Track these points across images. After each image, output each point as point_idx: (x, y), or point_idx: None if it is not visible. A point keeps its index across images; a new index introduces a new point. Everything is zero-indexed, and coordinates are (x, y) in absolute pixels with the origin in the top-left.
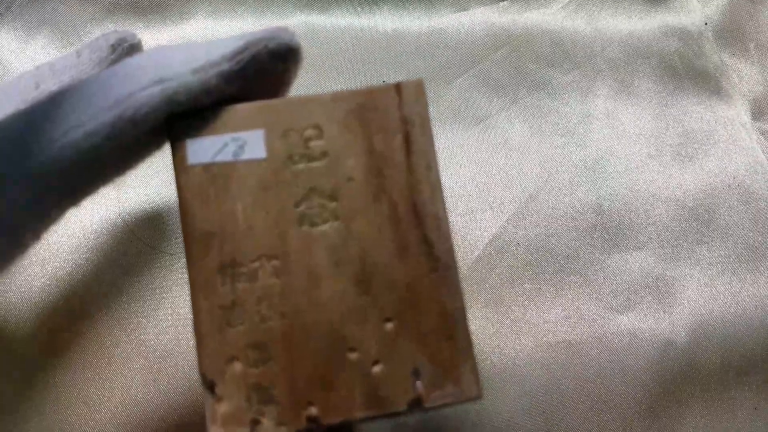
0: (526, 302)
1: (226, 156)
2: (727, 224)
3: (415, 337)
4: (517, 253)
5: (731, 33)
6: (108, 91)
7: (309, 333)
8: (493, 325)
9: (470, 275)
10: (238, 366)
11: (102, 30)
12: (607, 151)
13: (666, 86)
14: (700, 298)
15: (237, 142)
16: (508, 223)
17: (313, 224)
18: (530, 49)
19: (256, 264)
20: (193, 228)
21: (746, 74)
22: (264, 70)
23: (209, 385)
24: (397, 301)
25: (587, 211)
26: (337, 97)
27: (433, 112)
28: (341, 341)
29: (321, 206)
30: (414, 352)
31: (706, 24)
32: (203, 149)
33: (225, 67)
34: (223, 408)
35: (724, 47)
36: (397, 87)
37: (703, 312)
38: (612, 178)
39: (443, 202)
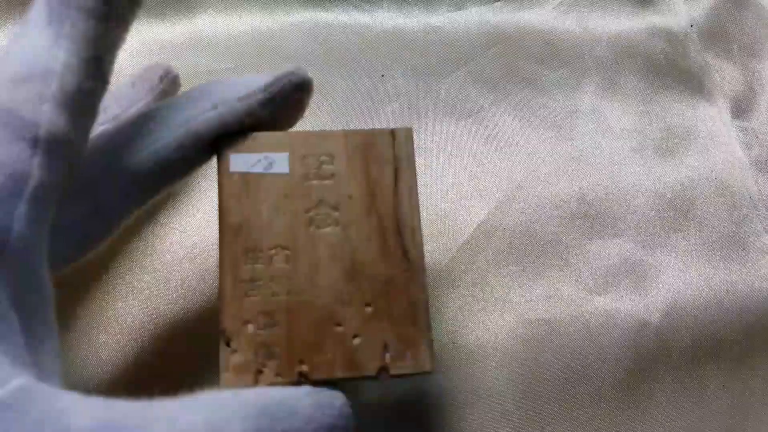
0: (509, 283)
1: (258, 169)
2: (704, 214)
3: (387, 319)
4: (503, 238)
5: (715, 35)
6: (178, 114)
7: (307, 308)
8: (478, 302)
9: (459, 257)
10: (250, 327)
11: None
12: (592, 144)
13: (651, 84)
14: (674, 282)
15: (268, 159)
16: (496, 210)
17: (318, 227)
18: (522, 47)
19: (273, 251)
20: (227, 219)
21: (728, 74)
22: (287, 98)
23: (227, 340)
24: (376, 290)
25: (570, 199)
26: (347, 134)
27: (429, 104)
28: (330, 317)
29: (326, 214)
30: (385, 330)
31: (691, 26)
32: (242, 162)
33: (261, 96)
34: (235, 359)
35: (708, 48)
36: (392, 132)
37: (677, 295)
38: (595, 169)
39: (419, 219)
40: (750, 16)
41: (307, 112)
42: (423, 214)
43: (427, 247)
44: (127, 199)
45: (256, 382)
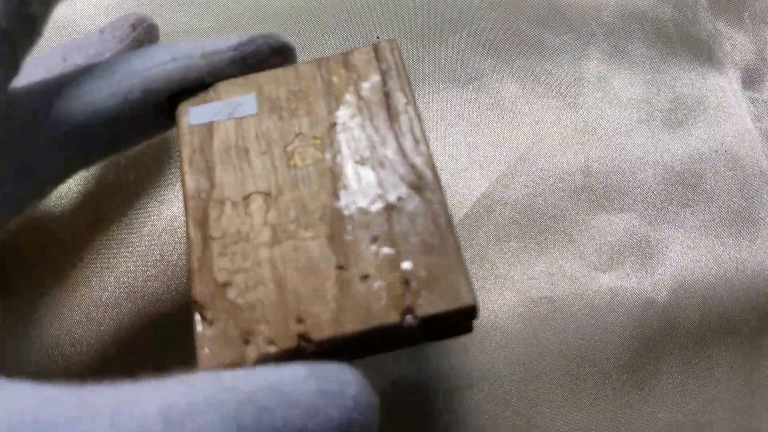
0: (511, 259)
1: (222, 116)
2: (713, 189)
3: (404, 252)
4: (505, 212)
5: (726, 2)
6: (129, 65)
7: (297, 255)
8: (478, 280)
9: (458, 233)
10: (229, 291)
11: None
12: (598, 114)
13: (659, 52)
14: (682, 259)
15: (232, 105)
16: (497, 183)
17: (302, 160)
18: (526, 10)
19: (249, 199)
20: (191, 173)
21: (739, 43)
22: (263, 61)
23: (200, 311)
24: (384, 218)
25: (575, 172)
26: (320, 62)
27: (427, 68)
28: (329, 260)
29: (309, 147)
30: (403, 264)
31: None
32: (203, 113)
33: (230, 54)
34: (212, 331)
35: (718, 15)
36: (375, 46)
37: (685, 273)
38: (601, 140)
39: (423, 129)
40: None
41: None
42: None
43: None
44: (61, 155)
45: (242, 358)
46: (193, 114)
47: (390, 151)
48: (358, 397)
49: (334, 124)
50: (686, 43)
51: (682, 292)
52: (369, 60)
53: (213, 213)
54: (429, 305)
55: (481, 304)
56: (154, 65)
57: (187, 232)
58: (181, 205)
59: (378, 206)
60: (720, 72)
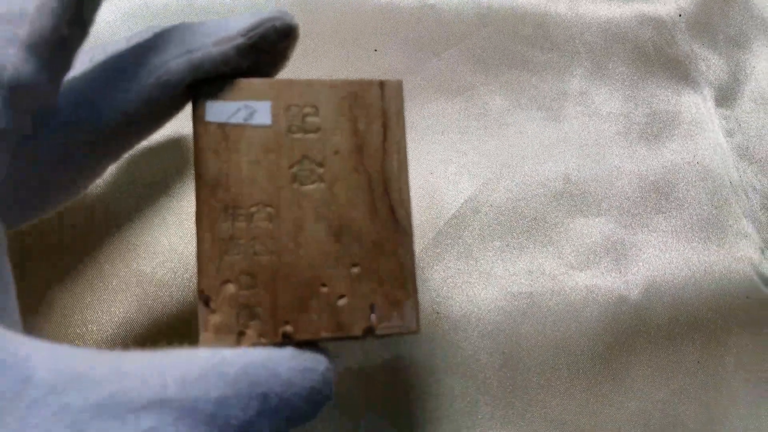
0: (494, 257)
1: (237, 119)
2: (685, 197)
3: (375, 281)
4: (489, 214)
5: (703, 25)
6: (147, 60)
7: (291, 268)
8: (462, 275)
9: (446, 231)
10: (231, 287)
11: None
12: (579, 126)
13: (638, 70)
14: (654, 261)
15: (248, 109)
16: (483, 187)
17: (302, 183)
18: (514, 29)
19: (254, 209)
20: (205, 173)
21: (714, 64)
22: (271, 45)
23: (205, 300)
24: (363, 251)
25: (556, 179)
26: (334, 84)
27: (421, 80)
28: (316, 277)
29: (311, 170)
30: (372, 291)
31: (680, 15)
32: (220, 111)
33: (240, 41)
34: (215, 319)
35: (694, 37)
36: (381, 83)
37: (657, 274)
38: (581, 150)
39: (407, 179)
40: (736, 8)
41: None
42: (411, 189)
43: (415, 221)
44: (93, 151)
45: (238, 344)
46: (209, 110)
47: (377, 191)
48: (325, 374)
49: (336, 152)
50: (664, 63)
51: (653, 291)
52: (376, 97)
53: (222, 216)
54: (385, 327)
55: (465, 297)
56: (170, 59)
57: (197, 230)
58: (189, 198)
59: (360, 239)
60: (695, 90)
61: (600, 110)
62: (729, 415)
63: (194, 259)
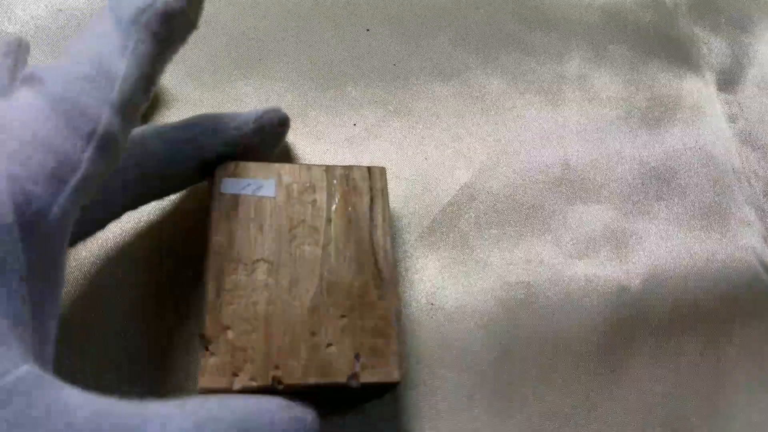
0: (491, 245)
1: (247, 191)
2: (687, 184)
3: (360, 331)
4: (486, 201)
5: (704, 7)
6: (188, 146)
7: (284, 317)
8: (458, 264)
9: (441, 219)
10: (230, 333)
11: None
12: (578, 110)
13: (638, 54)
14: (655, 250)
15: (256, 184)
16: (480, 173)
17: (300, 244)
18: (511, 9)
19: (256, 264)
20: (216, 234)
21: (715, 47)
22: (272, 128)
23: (206, 345)
24: (351, 304)
25: (555, 165)
26: (328, 168)
27: (414, 62)
28: (307, 327)
29: (307, 234)
30: (358, 341)
31: None
32: (233, 185)
33: (252, 125)
34: (212, 361)
35: (696, 20)
36: (368, 169)
37: (658, 263)
38: (580, 136)
39: (392, 242)
40: None
41: (291, 59)
42: (406, 174)
43: (409, 208)
44: (130, 194)
45: (230, 386)
46: (225, 184)
47: (365, 253)
48: (312, 423)
49: (329, 220)
50: (665, 46)
51: (654, 281)
52: (363, 178)
53: (228, 269)
54: (368, 375)
55: (461, 287)
56: (206, 141)
57: (205, 280)
58: (191, 203)
59: (349, 293)
60: (697, 74)
61: (599, 94)
62: (732, 408)
63: (190, 259)
